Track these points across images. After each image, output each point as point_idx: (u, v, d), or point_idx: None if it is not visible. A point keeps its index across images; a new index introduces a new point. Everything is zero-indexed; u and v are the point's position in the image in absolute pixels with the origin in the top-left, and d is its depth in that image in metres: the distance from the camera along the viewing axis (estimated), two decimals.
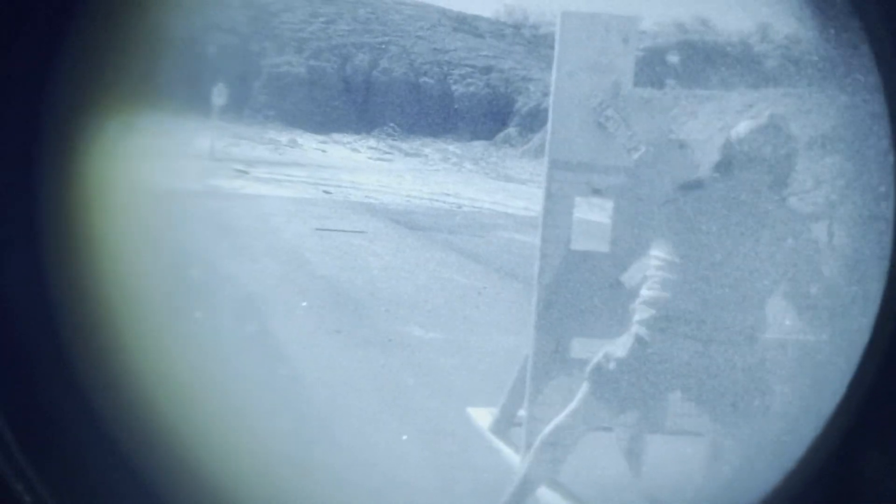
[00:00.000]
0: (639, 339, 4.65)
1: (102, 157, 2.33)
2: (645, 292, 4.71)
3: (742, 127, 4.72)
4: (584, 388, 4.78)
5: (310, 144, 32.67)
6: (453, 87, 41.03)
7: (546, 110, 5.23)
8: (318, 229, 14.40)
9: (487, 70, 41.89)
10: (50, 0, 2.07)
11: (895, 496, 1.98)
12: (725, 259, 4.56)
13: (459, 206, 20.14)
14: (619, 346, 4.69)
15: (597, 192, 5.09)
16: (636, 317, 4.70)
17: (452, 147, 36.17)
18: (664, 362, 4.62)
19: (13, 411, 1.98)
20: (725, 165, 4.69)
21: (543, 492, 5.06)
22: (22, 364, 2.12)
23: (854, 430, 2.02)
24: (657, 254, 4.73)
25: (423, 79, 41.05)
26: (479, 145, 36.92)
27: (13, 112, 2.06)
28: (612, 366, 4.68)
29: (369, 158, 32.29)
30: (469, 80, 41.31)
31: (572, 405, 4.82)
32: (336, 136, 35.61)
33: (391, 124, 37.81)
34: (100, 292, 2.38)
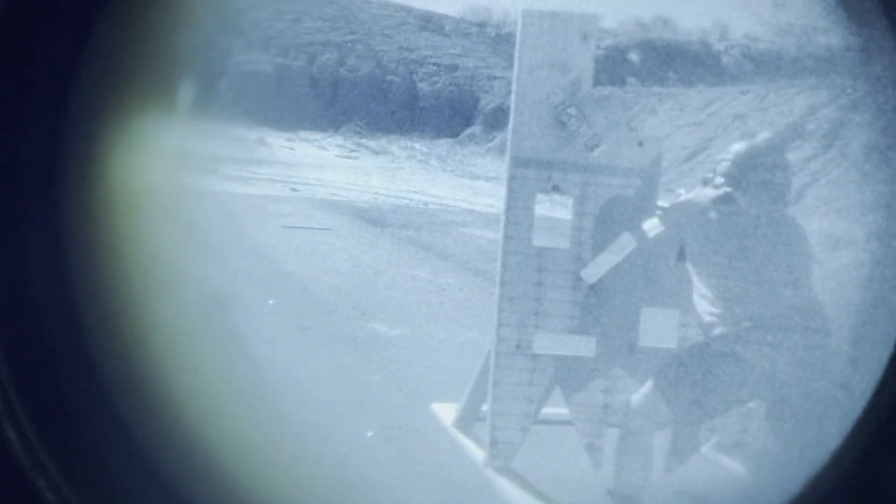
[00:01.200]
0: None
1: (122, 157, 2.35)
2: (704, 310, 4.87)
3: (741, 147, 4.90)
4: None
5: (277, 142, 32.49)
6: (419, 86, 41.01)
7: (509, 108, 5.27)
8: (284, 227, 14.37)
9: (453, 68, 41.88)
10: (68, 6, 2.09)
11: None
12: (755, 272, 4.73)
13: (425, 204, 20.15)
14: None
15: (557, 188, 5.15)
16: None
17: (418, 145, 36.15)
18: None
19: (36, 408, 2.00)
20: (738, 183, 4.83)
21: (504, 485, 5.11)
22: (45, 362, 2.13)
23: (880, 435, 2.04)
24: (696, 277, 4.91)
25: (389, 77, 41.00)
26: (444, 143, 36.91)
27: (33, 115, 2.08)
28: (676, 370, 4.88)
29: (336, 156, 32.20)
30: (435, 79, 41.31)
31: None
32: (303, 133, 35.47)
33: (358, 122, 37.74)
34: (119, 292, 2.40)
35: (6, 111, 2.04)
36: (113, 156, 2.34)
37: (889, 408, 2.02)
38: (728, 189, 4.83)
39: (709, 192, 4.91)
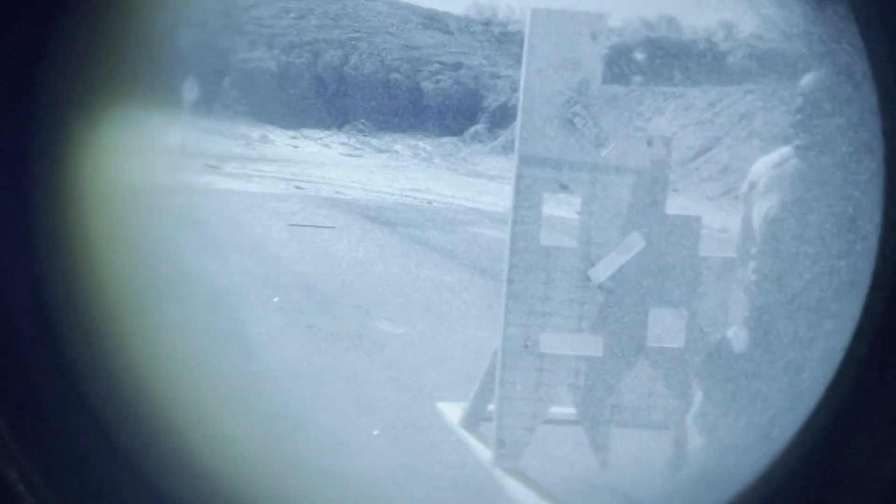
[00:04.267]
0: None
1: (84, 153, 2.33)
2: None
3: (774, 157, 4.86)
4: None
5: (281, 140, 32.46)
6: (423, 84, 40.94)
7: (514, 107, 5.28)
8: (289, 225, 14.35)
9: (457, 67, 41.80)
10: (31, 1, 2.08)
11: (882, 482, 2.00)
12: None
13: (429, 202, 20.12)
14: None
15: (565, 187, 5.13)
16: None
17: (422, 143, 36.09)
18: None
19: (9, 407, 1.99)
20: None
21: (511, 485, 5.10)
22: (18, 360, 2.12)
23: (841, 415, 2.04)
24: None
25: (393, 75, 40.94)
26: (448, 141, 36.84)
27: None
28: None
29: (340, 154, 32.14)
30: (439, 77, 41.23)
31: None
32: (307, 131, 35.43)
33: (362, 120, 37.72)
34: (93, 288, 2.39)
35: None
36: (82, 149, 2.33)
37: (851, 387, 2.03)
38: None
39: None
